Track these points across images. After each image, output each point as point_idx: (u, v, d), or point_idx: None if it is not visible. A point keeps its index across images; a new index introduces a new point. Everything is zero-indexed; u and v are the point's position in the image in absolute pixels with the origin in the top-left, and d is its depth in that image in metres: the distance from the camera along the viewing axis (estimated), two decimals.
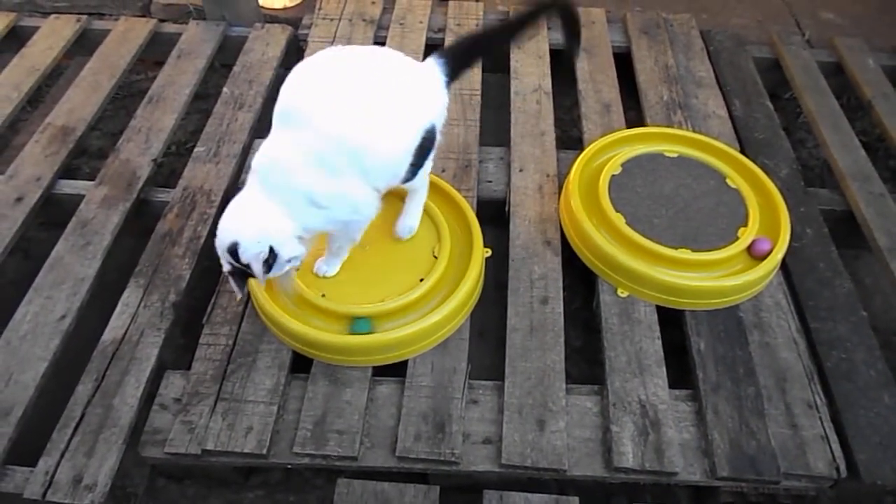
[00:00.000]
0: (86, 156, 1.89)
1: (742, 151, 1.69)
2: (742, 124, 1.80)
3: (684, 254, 1.35)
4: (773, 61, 2.08)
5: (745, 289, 1.36)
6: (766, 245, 1.39)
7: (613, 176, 1.50)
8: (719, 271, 1.37)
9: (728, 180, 1.52)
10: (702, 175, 1.53)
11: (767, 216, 1.46)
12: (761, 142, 1.75)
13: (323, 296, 1.27)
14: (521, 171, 1.62)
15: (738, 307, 1.37)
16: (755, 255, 1.39)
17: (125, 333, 1.31)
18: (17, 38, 2.07)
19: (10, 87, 1.86)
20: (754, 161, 1.60)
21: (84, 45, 2.07)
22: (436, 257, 1.35)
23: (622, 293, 1.38)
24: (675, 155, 1.57)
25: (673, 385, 1.26)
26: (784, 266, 1.45)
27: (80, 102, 1.82)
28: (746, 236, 1.40)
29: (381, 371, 1.27)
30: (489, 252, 1.43)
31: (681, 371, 1.32)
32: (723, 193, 1.49)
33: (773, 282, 1.42)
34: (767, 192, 1.49)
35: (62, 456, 1.15)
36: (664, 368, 1.27)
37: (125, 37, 2.03)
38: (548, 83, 1.88)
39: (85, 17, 2.12)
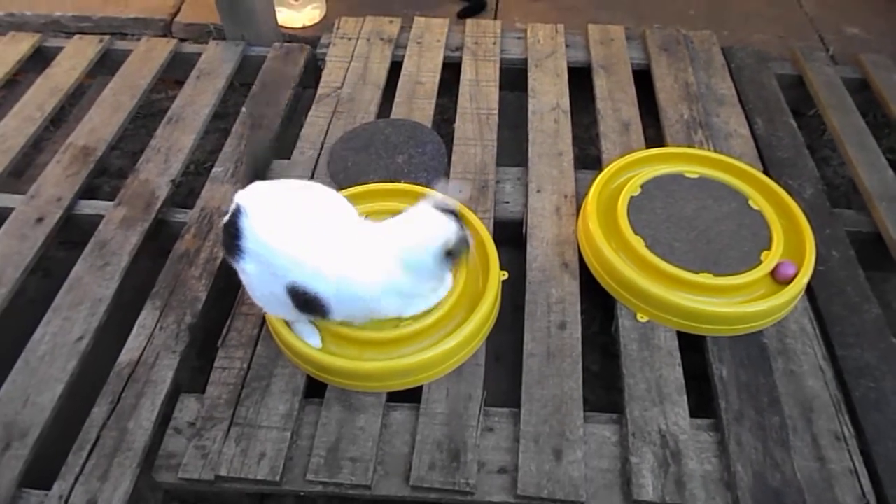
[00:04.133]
0: (106, 175, 1.91)
1: (765, 171, 1.66)
2: (765, 143, 1.77)
3: (706, 278, 1.32)
4: (797, 78, 2.05)
5: (768, 314, 1.33)
6: (790, 269, 1.35)
7: (632, 197, 1.48)
8: (742, 296, 1.33)
9: (750, 202, 1.49)
10: (723, 196, 1.50)
11: (791, 239, 1.42)
12: (785, 161, 1.72)
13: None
14: (538, 191, 1.60)
15: (761, 333, 1.33)
16: (779, 279, 1.36)
17: (141, 355, 1.32)
18: (43, 58, 2.11)
19: (34, 107, 1.89)
20: (777, 181, 1.56)
21: (106, 64, 2.11)
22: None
23: (642, 318, 1.35)
24: (696, 176, 1.54)
25: (694, 413, 1.23)
26: (809, 290, 1.41)
27: (101, 122, 1.84)
28: (770, 260, 1.36)
29: (396, 396, 1.26)
30: (506, 275, 1.41)
31: (702, 398, 1.29)
32: (745, 215, 1.46)
33: (798, 307, 1.38)
34: (791, 213, 1.46)
35: (76, 480, 1.15)
36: (685, 397, 1.24)
37: (146, 57, 2.06)
38: (566, 102, 1.86)
39: (108, 37, 2.15)
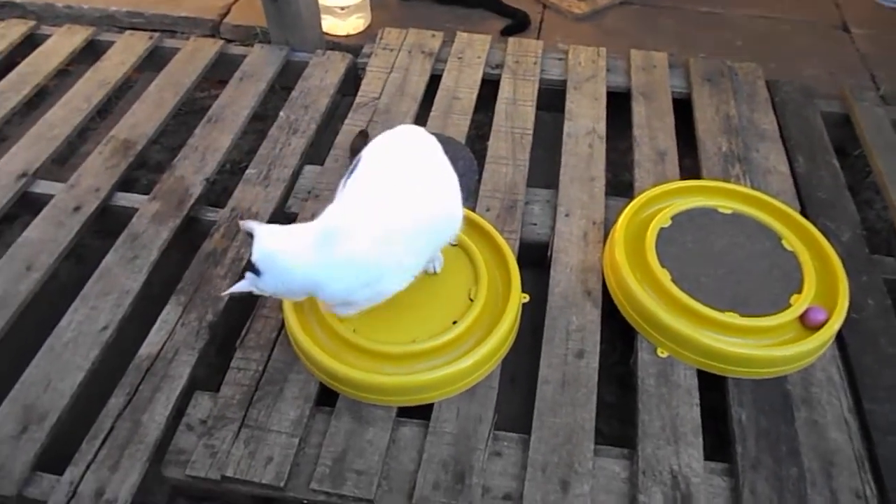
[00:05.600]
0: (144, 168, 1.96)
1: (802, 211, 1.61)
2: (804, 182, 1.72)
3: (731, 317, 1.29)
4: (843, 116, 1.99)
5: (794, 360, 1.29)
6: (820, 315, 1.31)
7: (662, 229, 1.45)
8: (768, 339, 1.30)
9: (784, 242, 1.45)
10: (756, 235, 1.46)
11: (825, 283, 1.38)
12: (824, 202, 1.67)
13: (354, 331, 1.26)
14: (567, 215, 1.59)
15: (785, 379, 1.29)
16: (808, 324, 1.32)
17: (161, 350, 1.34)
18: (94, 51, 2.18)
19: (82, 99, 1.95)
20: (814, 222, 1.52)
21: (154, 61, 2.16)
22: (472, 300, 1.33)
23: (662, 353, 1.32)
24: (730, 211, 1.51)
25: (709, 456, 1.19)
26: (840, 339, 1.36)
27: (143, 117, 1.88)
28: (800, 304, 1.32)
29: (406, 411, 1.25)
30: (527, 298, 1.40)
31: (718, 441, 1.25)
32: (777, 256, 1.42)
33: (827, 355, 1.33)
34: (826, 257, 1.42)
35: (87, 468, 1.17)
36: (700, 438, 1.21)
37: (193, 56, 2.11)
38: (602, 127, 1.84)
39: (158, 34, 2.21)
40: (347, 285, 1.15)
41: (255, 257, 1.11)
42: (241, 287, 1.15)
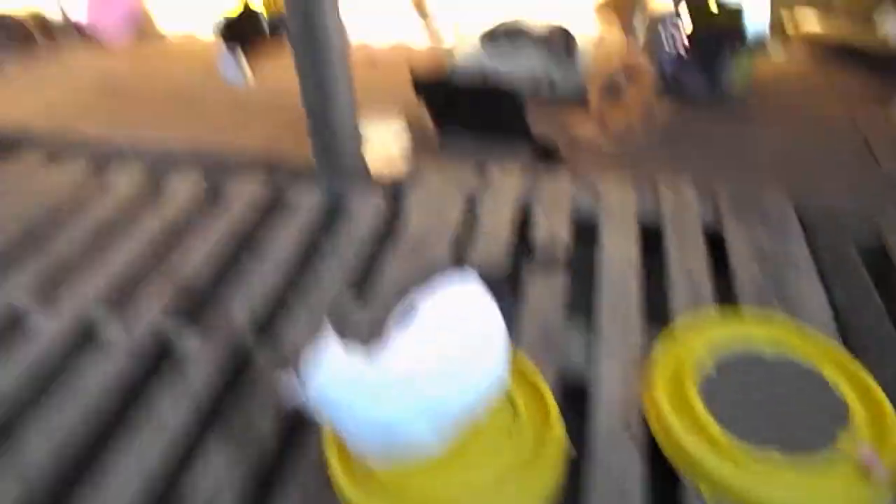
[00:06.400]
0: (194, 302, 2.03)
1: (844, 345, 1.59)
2: (844, 314, 1.71)
3: (776, 461, 1.25)
4: (879, 244, 2.00)
5: None
6: (872, 460, 1.26)
7: (703, 371, 1.44)
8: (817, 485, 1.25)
9: (828, 381, 1.42)
10: (797, 374, 1.44)
11: (874, 426, 1.34)
12: (866, 334, 1.64)
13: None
14: (604, 348, 1.60)
15: None
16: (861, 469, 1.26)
17: (200, 488, 1.35)
18: (155, 189, 2.35)
19: (142, 236, 2.09)
20: (860, 358, 1.49)
21: (209, 197, 2.32)
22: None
23: (706, 497, 1.28)
24: (770, 345, 1.50)
25: None
26: None
27: (195, 251, 2.01)
28: (850, 448, 1.28)
29: None
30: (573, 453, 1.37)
31: None
32: (821, 396, 1.39)
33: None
34: (873, 397, 1.38)
35: None
36: None
37: (244, 191, 2.27)
38: (636, 259, 1.88)
39: (213, 170, 2.39)
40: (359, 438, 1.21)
41: (310, 387, 1.15)
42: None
